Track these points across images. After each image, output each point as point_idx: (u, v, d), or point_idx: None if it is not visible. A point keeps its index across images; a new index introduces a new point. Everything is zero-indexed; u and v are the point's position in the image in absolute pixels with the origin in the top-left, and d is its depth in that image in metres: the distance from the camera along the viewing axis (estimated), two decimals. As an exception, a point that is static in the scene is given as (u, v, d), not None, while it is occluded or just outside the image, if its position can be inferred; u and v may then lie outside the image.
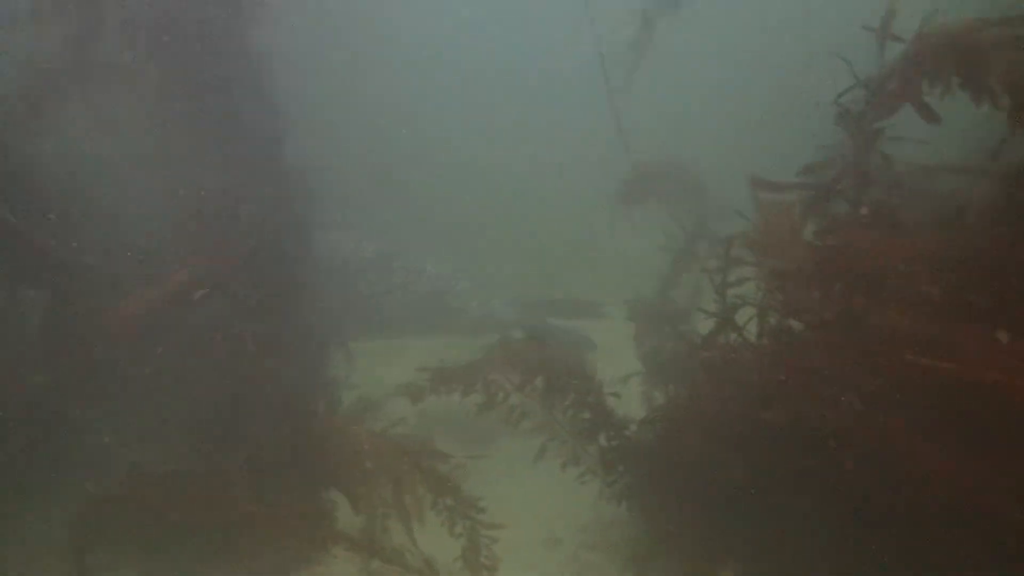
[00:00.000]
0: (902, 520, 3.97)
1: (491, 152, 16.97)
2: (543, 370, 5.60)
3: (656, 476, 5.40)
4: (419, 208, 14.09)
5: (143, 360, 6.02)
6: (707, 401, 5.09)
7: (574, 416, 5.52)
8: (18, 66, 6.33)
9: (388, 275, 11.43)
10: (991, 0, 3.78)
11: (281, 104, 6.38)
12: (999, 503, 3.47)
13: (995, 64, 3.62)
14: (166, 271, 6.15)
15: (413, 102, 16.96)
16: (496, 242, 13.87)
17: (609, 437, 5.50)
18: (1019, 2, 3.69)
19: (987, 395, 3.52)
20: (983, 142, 3.89)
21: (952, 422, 3.79)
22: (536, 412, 5.80)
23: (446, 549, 5.03)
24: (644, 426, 5.37)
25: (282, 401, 5.73)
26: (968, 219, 3.92)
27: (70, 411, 5.77)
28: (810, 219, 4.40)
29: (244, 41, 6.19)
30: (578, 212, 12.88)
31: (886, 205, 4.11)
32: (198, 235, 6.29)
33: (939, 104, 3.89)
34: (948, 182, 4.16)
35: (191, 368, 5.99)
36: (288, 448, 5.44)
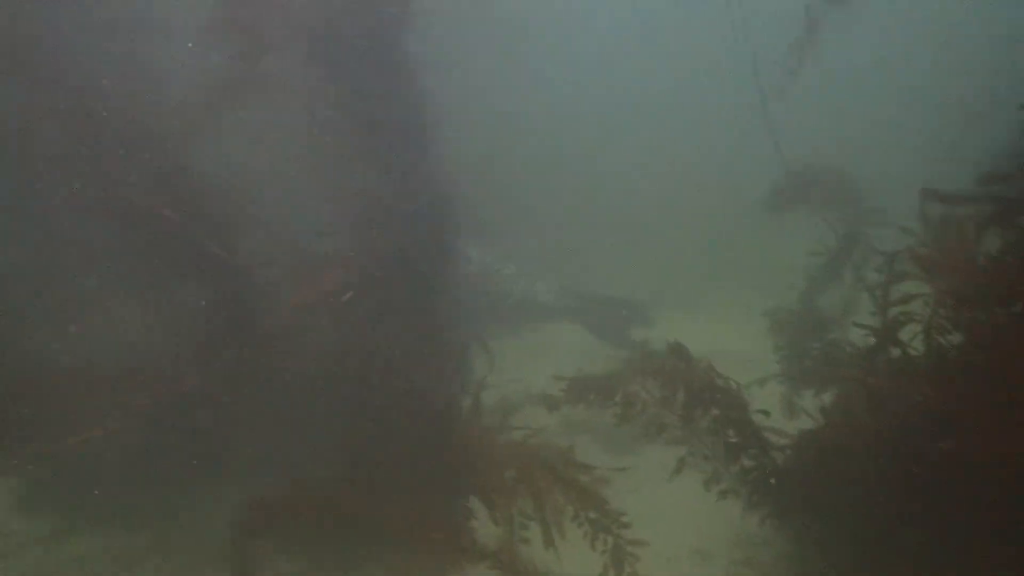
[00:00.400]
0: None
1: (636, 153, 16.89)
2: (684, 383, 5.45)
3: (804, 500, 5.15)
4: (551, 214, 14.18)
5: (295, 362, 6.31)
6: (864, 423, 4.81)
7: (716, 433, 5.34)
8: (186, 78, 6.77)
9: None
10: None
11: (430, 110, 6.49)
12: None
13: None
14: (319, 273, 6.40)
15: (557, 105, 17.07)
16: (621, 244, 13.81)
17: (753, 456, 5.29)
18: None
19: None
20: None
21: None
22: (675, 424, 5.65)
23: (587, 563, 4.99)
24: (794, 450, 5.13)
25: (426, 405, 5.84)
26: None
27: (227, 413, 6.14)
28: (991, 234, 4.05)
29: (397, 49, 6.34)
30: (723, 217, 12.62)
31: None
32: (349, 238, 6.53)
33: None
34: None
35: (339, 370, 6.21)
36: (430, 454, 5.55)
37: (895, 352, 4.77)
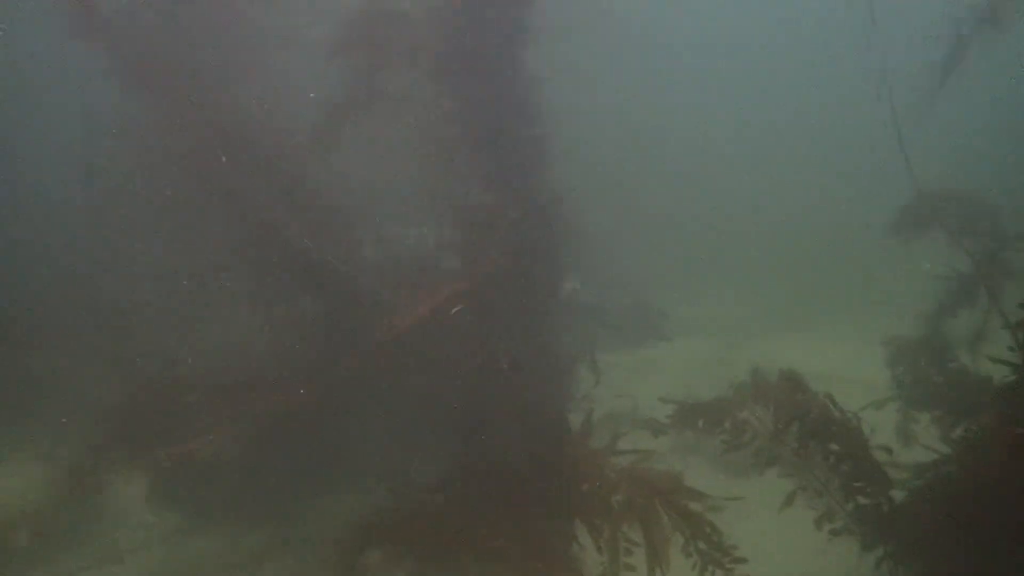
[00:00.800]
0: None
1: (762, 172, 16.61)
2: (799, 415, 5.24)
3: (928, 544, 4.88)
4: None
5: (407, 374, 6.48)
6: (1000, 466, 4.52)
7: (833, 468, 5.11)
8: (311, 94, 7.04)
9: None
10: None
11: (549, 126, 6.51)
12: None
13: None
14: (431, 285, 6.53)
15: (686, 122, 17.00)
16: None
17: (871, 495, 5.04)
18: None
19: None
20: None
21: None
22: (788, 456, 5.45)
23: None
24: (916, 490, 4.87)
25: (535, 421, 5.85)
26: None
27: (342, 422, 6.37)
28: None
29: (517, 65, 6.38)
30: (851, 238, 12.23)
31: None
32: (460, 252, 6.64)
33: None
34: None
35: (447, 383, 6.33)
36: (537, 473, 5.56)
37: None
